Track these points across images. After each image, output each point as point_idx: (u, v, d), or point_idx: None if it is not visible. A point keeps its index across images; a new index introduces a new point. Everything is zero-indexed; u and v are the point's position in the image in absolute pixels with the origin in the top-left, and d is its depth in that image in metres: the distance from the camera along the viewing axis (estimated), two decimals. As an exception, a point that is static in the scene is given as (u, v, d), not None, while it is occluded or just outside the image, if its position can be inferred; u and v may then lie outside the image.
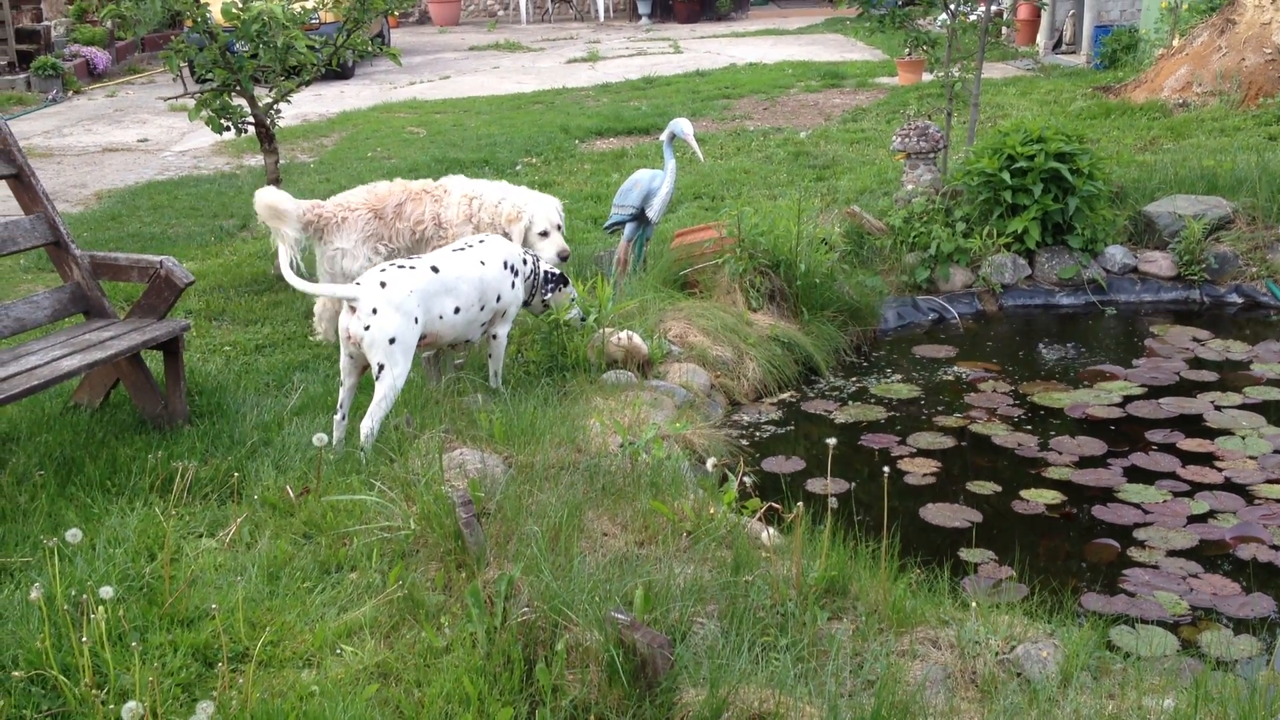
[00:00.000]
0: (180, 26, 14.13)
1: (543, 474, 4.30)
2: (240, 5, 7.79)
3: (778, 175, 10.02)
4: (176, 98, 9.50)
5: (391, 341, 4.62)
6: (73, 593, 3.43)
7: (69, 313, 5.20)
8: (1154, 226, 7.73)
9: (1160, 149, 9.72)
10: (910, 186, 7.95)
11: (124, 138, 13.30)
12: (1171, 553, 4.50)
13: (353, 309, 4.66)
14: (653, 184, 6.85)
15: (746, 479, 4.16)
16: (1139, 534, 4.64)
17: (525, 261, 5.40)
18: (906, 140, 7.95)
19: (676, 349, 6.04)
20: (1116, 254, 7.61)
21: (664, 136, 7.04)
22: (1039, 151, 7.40)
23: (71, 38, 18.08)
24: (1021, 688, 3.26)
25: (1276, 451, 5.29)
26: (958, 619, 3.56)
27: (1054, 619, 3.70)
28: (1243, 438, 5.44)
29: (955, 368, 6.53)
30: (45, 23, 17.48)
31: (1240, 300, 7.40)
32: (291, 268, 6.77)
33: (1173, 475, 5.12)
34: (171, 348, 5.01)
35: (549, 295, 5.53)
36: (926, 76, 13.37)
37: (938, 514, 4.85)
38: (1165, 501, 4.89)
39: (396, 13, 9.05)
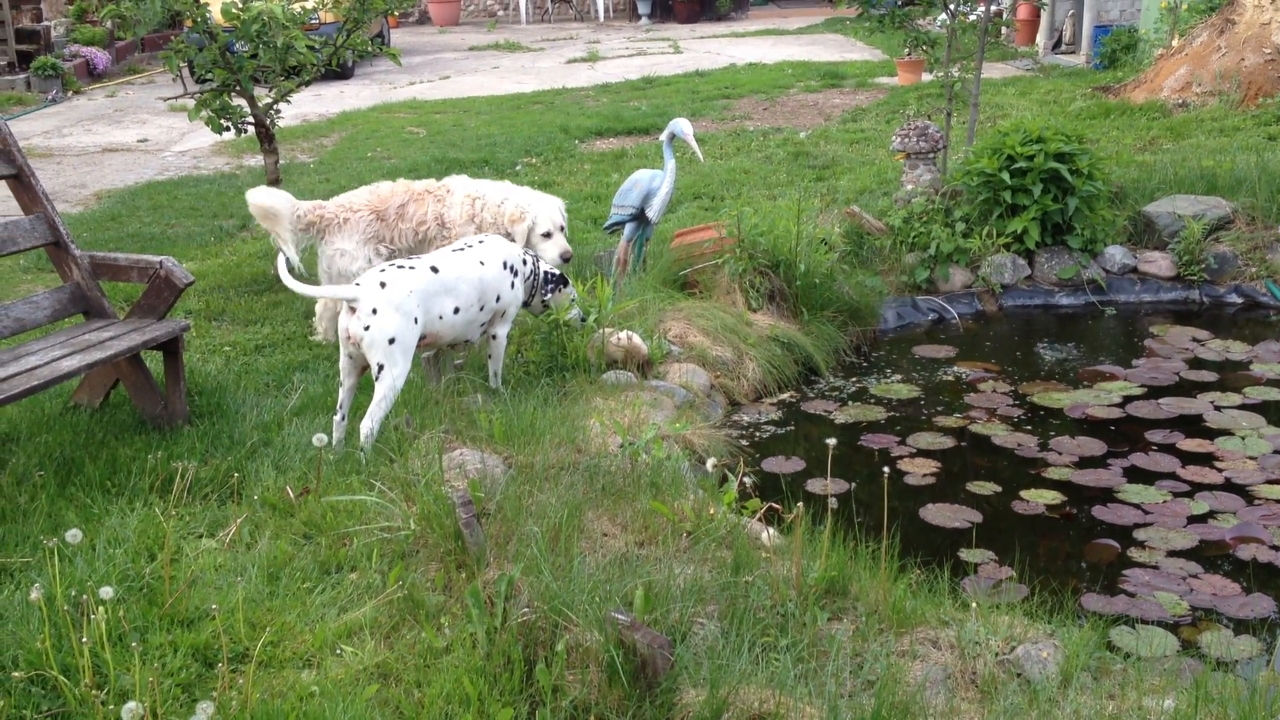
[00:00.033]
0: (180, 27, 14.12)
1: (543, 474, 4.30)
2: (240, 5, 7.79)
3: (777, 175, 10.02)
4: (176, 98, 9.50)
5: (391, 342, 4.62)
6: (73, 593, 3.43)
7: (69, 313, 5.20)
8: (1153, 227, 7.73)
9: (1160, 149, 9.73)
10: (910, 186, 7.95)
11: (124, 138, 13.29)
12: (1171, 553, 4.50)
13: (352, 309, 4.66)
14: (652, 184, 6.85)
15: (746, 479, 4.16)
16: (1139, 534, 4.64)
17: (525, 262, 5.40)
18: (906, 140, 7.95)
19: (676, 349, 6.04)
20: (1116, 254, 7.62)
21: (664, 136, 7.04)
22: (1038, 152, 7.40)
23: (71, 38, 18.08)
24: (1022, 688, 3.26)
25: (1276, 452, 5.29)
26: (958, 619, 3.56)
27: (1054, 619, 3.70)
28: (1242, 438, 5.44)
29: (955, 368, 6.53)
30: (45, 23, 17.48)
31: (1240, 300, 7.41)
32: (291, 270, 6.80)
33: (1173, 475, 5.12)
34: (171, 348, 5.01)
35: (549, 296, 5.54)
36: (926, 76, 13.37)
37: (938, 514, 4.85)
38: (1165, 502, 4.89)
39: (396, 13, 9.05)
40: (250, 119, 8.07)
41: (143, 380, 5.05)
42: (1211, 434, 5.51)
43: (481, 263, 5.09)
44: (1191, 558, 4.46)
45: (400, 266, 4.80)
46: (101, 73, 17.88)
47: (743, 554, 3.75)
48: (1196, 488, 5.00)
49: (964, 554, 4.51)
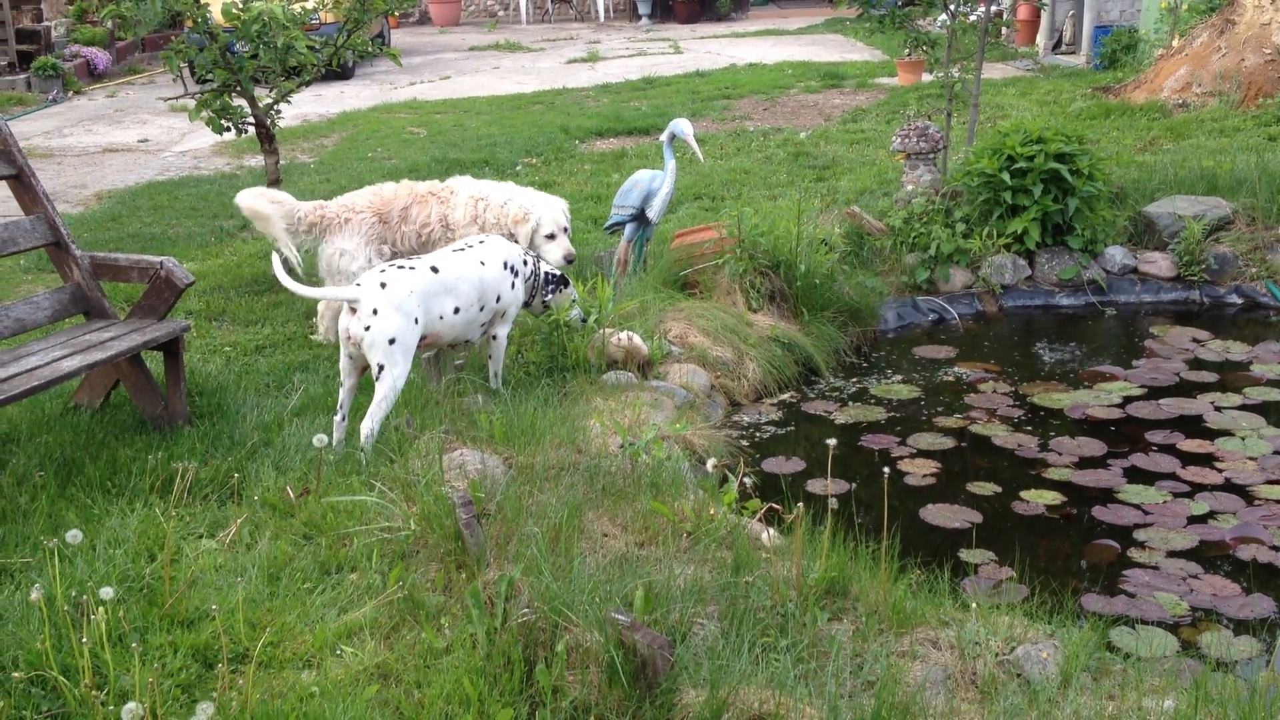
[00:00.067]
0: (180, 27, 14.12)
1: (543, 475, 4.30)
2: (240, 6, 7.80)
3: (778, 176, 10.02)
4: (177, 98, 9.50)
5: (391, 342, 4.62)
6: (73, 594, 3.43)
7: (69, 313, 5.20)
8: (1154, 227, 7.73)
9: (1160, 149, 9.73)
10: (910, 187, 7.95)
11: (124, 138, 13.30)
12: (1171, 553, 4.50)
13: (353, 310, 4.66)
14: (653, 184, 6.85)
15: (747, 480, 4.16)
16: (1139, 535, 4.64)
17: (525, 262, 5.40)
18: (906, 141, 7.95)
19: (677, 349, 6.05)
20: (1116, 255, 7.62)
21: (664, 137, 7.04)
22: (1039, 152, 7.40)
23: (72, 38, 18.08)
24: (1021, 689, 3.26)
25: (1276, 452, 5.29)
26: (958, 620, 3.56)
27: (1054, 620, 3.70)
28: (1242, 438, 5.44)
29: (955, 368, 6.53)
30: (45, 23, 17.48)
31: (1240, 301, 7.41)
32: (290, 271, 6.81)
33: (1173, 476, 5.12)
34: (172, 348, 5.02)
35: (549, 296, 5.54)
36: (926, 77, 13.37)
37: (938, 515, 4.85)
38: (1165, 502, 4.89)
39: (397, 13, 9.06)
40: (250, 119, 8.07)
41: (143, 381, 5.05)
42: (1211, 434, 5.51)
43: (482, 263, 5.09)
44: (1191, 558, 4.46)
45: (400, 267, 4.81)
46: (102, 73, 17.89)
47: (743, 554, 3.75)
48: (1196, 488, 5.00)
49: (964, 554, 4.51)
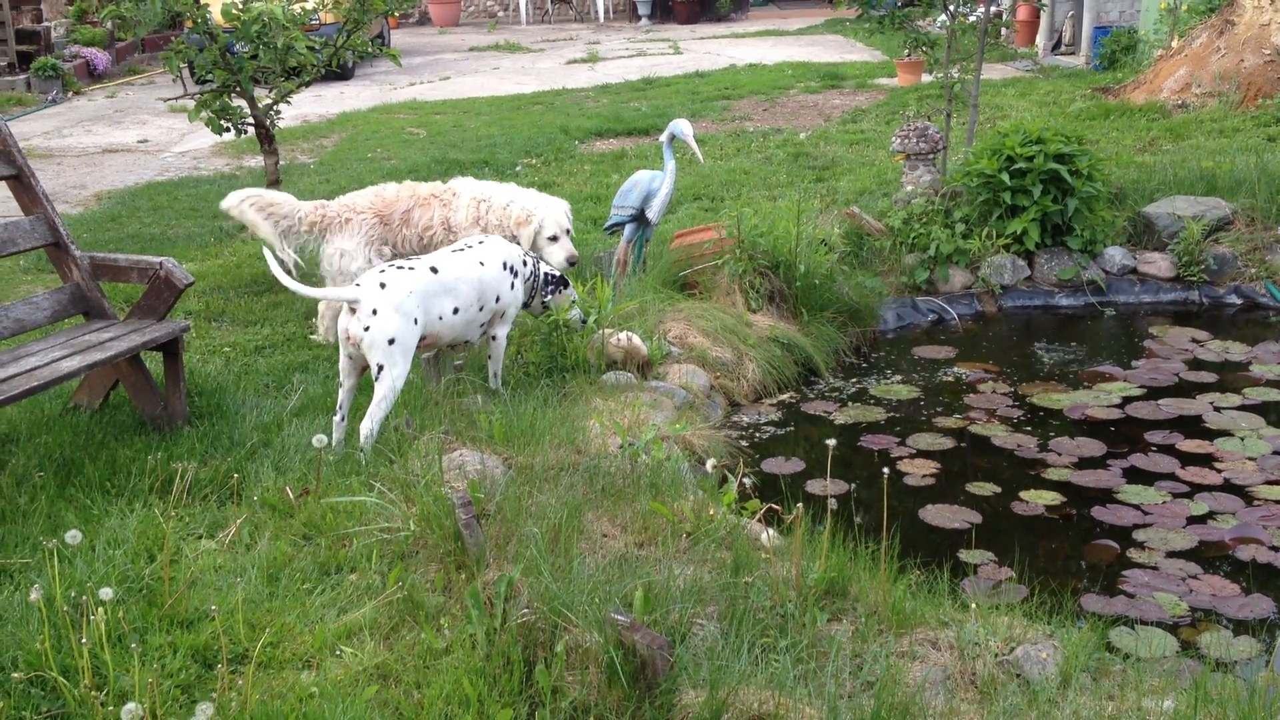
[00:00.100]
0: (180, 27, 14.13)
1: (542, 475, 4.30)
2: (240, 6, 7.80)
3: (777, 176, 10.02)
4: (176, 99, 9.51)
5: (391, 342, 4.62)
6: (72, 594, 3.43)
7: (69, 314, 5.20)
8: (1153, 228, 7.73)
9: (1159, 150, 9.73)
10: (910, 187, 7.96)
11: (124, 139, 13.30)
12: (1171, 554, 4.50)
13: (352, 310, 4.67)
14: (652, 185, 6.85)
15: (746, 480, 4.17)
16: (1138, 535, 4.64)
17: (525, 263, 5.40)
18: (906, 141, 7.95)
19: (676, 350, 6.05)
20: (1116, 255, 7.62)
21: (664, 137, 7.04)
22: (1038, 153, 7.40)
23: (71, 39, 18.08)
24: (1021, 689, 3.26)
25: (1275, 453, 5.30)
26: (957, 620, 3.56)
27: (1053, 620, 3.70)
28: (1242, 439, 5.44)
29: (955, 369, 6.53)
30: (45, 24, 17.48)
31: (1239, 301, 7.41)
32: (289, 272, 6.85)
33: (1172, 476, 5.12)
34: (171, 349, 5.02)
35: (549, 297, 5.54)
36: (926, 77, 13.37)
37: (937, 515, 4.85)
38: (1164, 503, 4.90)
39: (396, 14, 9.07)
40: (250, 120, 8.07)
41: (143, 381, 5.05)
42: (1211, 435, 5.51)
43: (481, 263, 5.09)
44: (1191, 558, 4.46)
45: (400, 267, 4.81)
46: (101, 73, 17.88)
47: (742, 555, 3.75)
48: (1196, 489, 5.00)
49: (963, 555, 4.51)
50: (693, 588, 3.55)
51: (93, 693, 3.08)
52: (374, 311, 4.61)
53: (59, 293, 5.15)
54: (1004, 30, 16.83)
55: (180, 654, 3.38)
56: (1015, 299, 7.49)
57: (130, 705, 2.68)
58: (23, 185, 5.16)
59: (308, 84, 8.22)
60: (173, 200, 10.02)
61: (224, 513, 4.26)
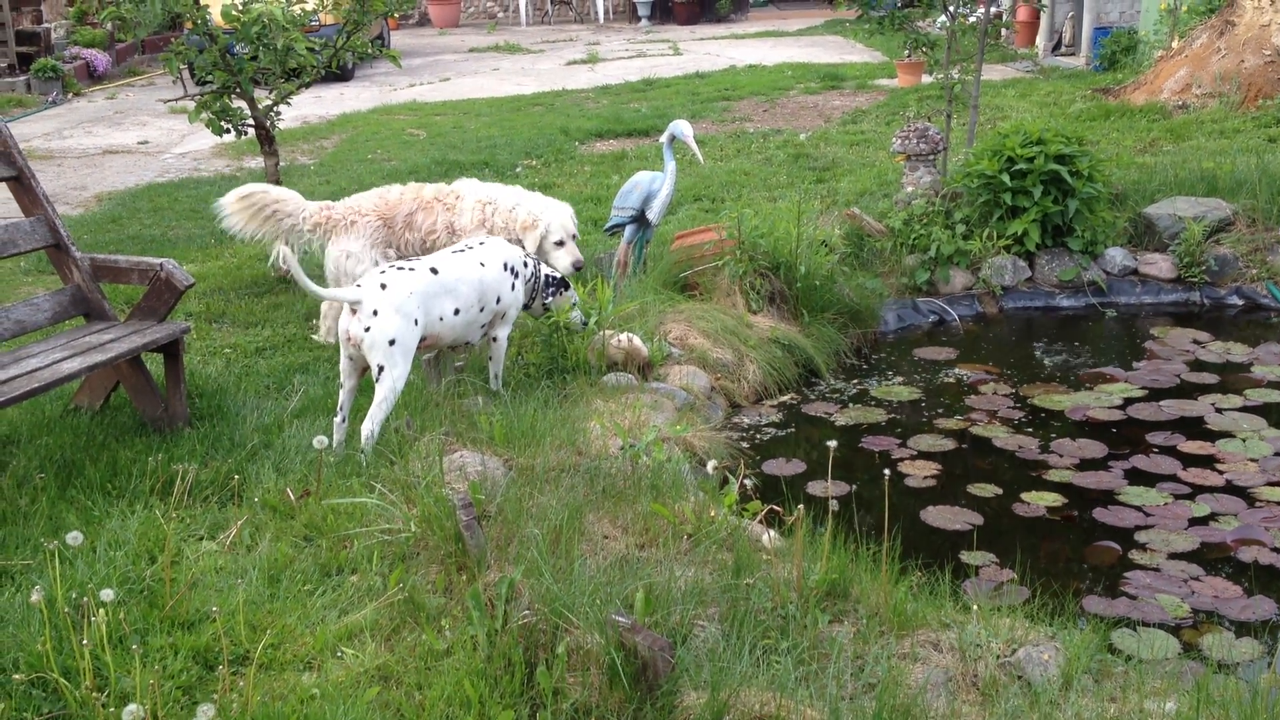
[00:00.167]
0: (180, 29, 14.13)
1: (543, 476, 4.29)
2: (240, 7, 7.80)
3: (778, 177, 10.02)
4: (176, 100, 9.50)
5: (391, 343, 4.62)
6: (73, 595, 3.43)
7: (69, 315, 5.20)
8: (1154, 228, 7.73)
9: (1160, 151, 9.73)
10: (910, 188, 7.95)
11: (124, 140, 13.30)
12: (1173, 555, 4.50)
13: (353, 311, 4.66)
14: (653, 186, 6.84)
15: (747, 481, 4.16)
16: (1140, 536, 4.64)
17: (526, 264, 5.40)
18: (906, 142, 7.95)
19: (677, 351, 6.04)
20: (1116, 256, 7.62)
21: (664, 138, 7.03)
22: (1038, 153, 7.40)
23: (72, 40, 18.09)
24: (1023, 691, 3.26)
25: (1277, 454, 5.29)
26: (959, 622, 3.56)
27: (1055, 622, 3.70)
28: (1243, 440, 5.44)
29: (956, 370, 6.52)
30: (45, 25, 17.49)
31: (1240, 302, 7.41)
32: (282, 261, 6.89)
33: (1174, 478, 5.12)
34: (172, 350, 5.01)
35: (549, 299, 5.53)
36: (926, 78, 13.37)
37: (938, 516, 4.85)
38: (1166, 504, 4.89)
39: (396, 15, 9.07)
40: (250, 121, 8.07)
41: (143, 382, 5.05)
42: (1212, 436, 5.51)
43: (482, 264, 5.09)
44: (1193, 560, 4.46)
45: (400, 268, 4.81)
46: (102, 75, 17.89)
47: (743, 556, 3.75)
48: (1198, 490, 5.00)
49: (965, 556, 4.51)
50: (694, 589, 3.55)
51: (94, 694, 3.07)
52: (374, 312, 4.61)
53: (60, 294, 5.15)
54: (1004, 31, 16.83)
55: (181, 655, 3.38)
56: (1016, 300, 7.49)
57: (131, 706, 2.67)
58: (23, 187, 5.16)
59: (308, 85, 8.22)
60: (173, 202, 10.02)
61: (225, 514, 4.26)
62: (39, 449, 4.77)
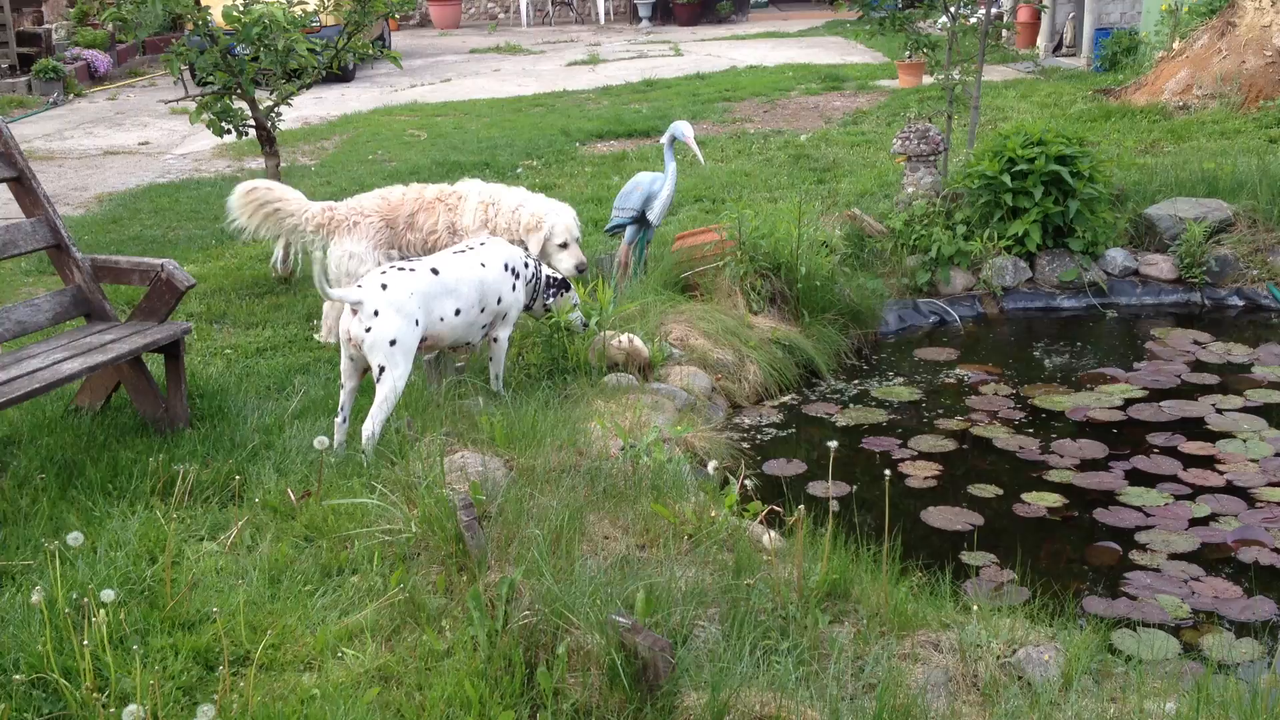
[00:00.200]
0: (181, 29, 14.14)
1: (544, 477, 4.30)
2: (241, 8, 7.81)
3: (778, 178, 10.02)
4: (177, 101, 9.49)
5: (392, 344, 4.62)
6: (74, 596, 3.43)
7: (70, 316, 5.20)
8: (1155, 229, 7.73)
9: (1161, 152, 9.73)
10: (911, 189, 7.95)
11: (125, 141, 13.30)
12: (1173, 556, 4.50)
13: (354, 311, 4.66)
14: (653, 187, 6.84)
15: (748, 482, 4.17)
16: (1140, 537, 4.64)
17: (527, 265, 5.40)
18: (907, 143, 7.95)
19: (677, 352, 6.04)
20: (1117, 257, 7.61)
21: (664, 139, 7.03)
22: (1039, 154, 7.40)
23: (73, 41, 18.10)
24: (1023, 691, 3.26)
25: (1278, 455, 5.29)
26: (959, 622, 3.56)
27: (1055, 622, 3.70)
28: (1244, 441, 5.44)
29: (956, 370, 6.52)
30: (46, 26, 17.49)
31: (1241, 303, 7.41)
32: (284, 263, 6.90)
33: (1174, 478, 5.12)
34: (172, 351, 5.02)
35: (550, 299, 5.53)
36: (927, 79, 13.37)
37: (939, 517, 4.85)
38: (1167, 504, 4.89)
39: (397, 16, 9.08)
40: (251, 122, 8.08)
41: (144, 383, 5.05)
42: (1213, 437, 5.51)
43: (482, 264, 5.09)
44: (1193, 560, 4.46)
45: (401, 269, 4.81)
46: (103, 75, 17.89)
47: (744, 557, 3.75)
48: (1198, 490, 5.00)
49: (965, 557, 4.51)
50: (694, 590, 3.55)
51: (94, 694, 3.08)
52: (375, 313, 4.61)
53: (60, 295, 5.15)
54: (1005, 32, 16.83)
55: (182, 656, 3.38)
56: (1017, 301, 7.49)
57: (132, 707, 2.68)
58: (24, 187, 5.16)
59: (308, 86, 8.23)
60: (174, 202, 10.02)
61: (225, 514, 4.26)
62: (40, 449, 4.77)
